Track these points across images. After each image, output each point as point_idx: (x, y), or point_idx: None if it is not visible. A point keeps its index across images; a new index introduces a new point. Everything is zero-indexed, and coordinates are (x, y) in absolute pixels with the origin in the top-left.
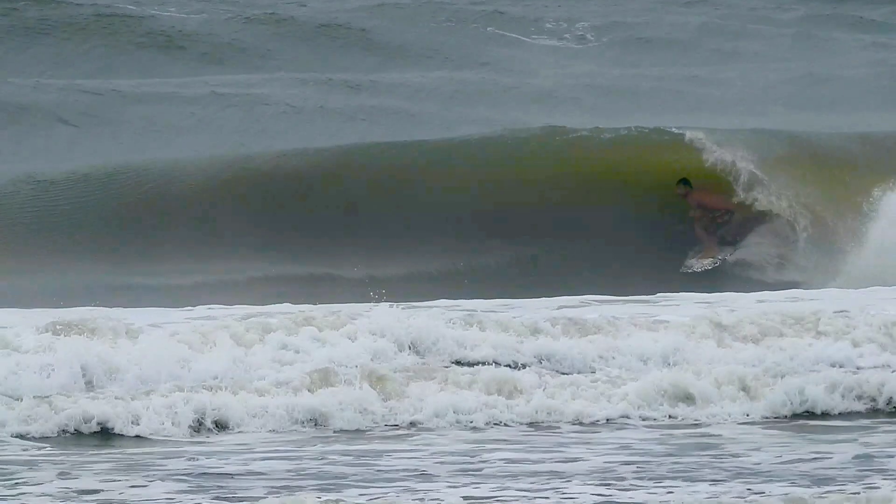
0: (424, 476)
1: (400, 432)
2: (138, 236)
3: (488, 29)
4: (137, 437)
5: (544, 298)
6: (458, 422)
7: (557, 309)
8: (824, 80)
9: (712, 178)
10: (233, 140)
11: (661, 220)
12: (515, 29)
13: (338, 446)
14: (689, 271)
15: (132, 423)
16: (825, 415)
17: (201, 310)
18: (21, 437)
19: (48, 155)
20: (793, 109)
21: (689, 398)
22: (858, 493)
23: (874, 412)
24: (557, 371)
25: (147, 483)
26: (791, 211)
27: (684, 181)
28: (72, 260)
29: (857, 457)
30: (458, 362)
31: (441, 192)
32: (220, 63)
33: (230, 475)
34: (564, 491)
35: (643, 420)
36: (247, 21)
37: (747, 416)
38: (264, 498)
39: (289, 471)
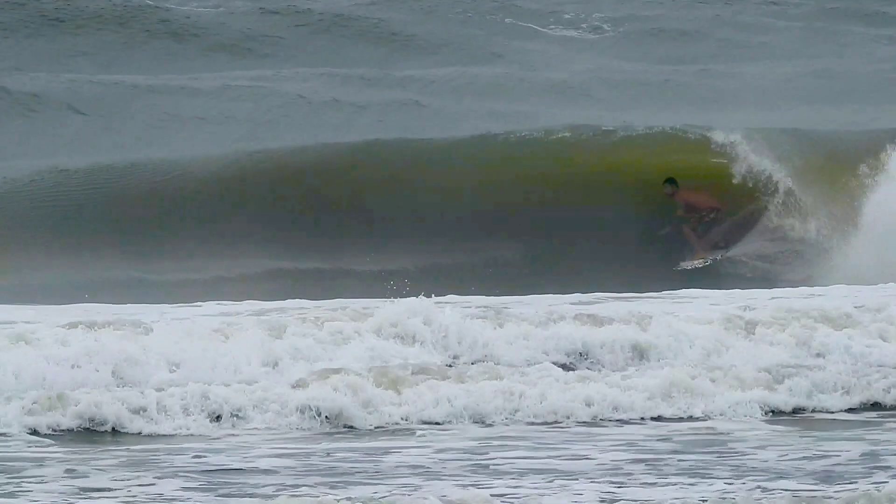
0: (431, 473)
1: (407, 429)
2: (143, 232)
3: (506, 21)
4: (148, 433)
5: (557, 295)
6: (470, 419)
7: (574, 304)
8: (842, 75)
9: (744, 186)
10: (245, 132)
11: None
12: (532, 20)
13: (344, 443)
14: (679, 269)
15: (144, 419)
16: (830, 411)
17: (211, 306)
18: (32, 432)
19: (59, 148)
20: (812, 105)
21: (700, 395)
22: (879, 490)
23: (877, 406)
24: (588, 367)
25: (155, 480)
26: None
27: (671, 181)
28: (78, 255)
29: (864, 454)
30: (482, 359)
31: (454, 190)
32: (234, 55)
33: (238, 472)
34: (574, 488)
35: (651, 417)
36: (263, 13)
37: (765, 409)
38: (276, 496)
39: (296, 467)
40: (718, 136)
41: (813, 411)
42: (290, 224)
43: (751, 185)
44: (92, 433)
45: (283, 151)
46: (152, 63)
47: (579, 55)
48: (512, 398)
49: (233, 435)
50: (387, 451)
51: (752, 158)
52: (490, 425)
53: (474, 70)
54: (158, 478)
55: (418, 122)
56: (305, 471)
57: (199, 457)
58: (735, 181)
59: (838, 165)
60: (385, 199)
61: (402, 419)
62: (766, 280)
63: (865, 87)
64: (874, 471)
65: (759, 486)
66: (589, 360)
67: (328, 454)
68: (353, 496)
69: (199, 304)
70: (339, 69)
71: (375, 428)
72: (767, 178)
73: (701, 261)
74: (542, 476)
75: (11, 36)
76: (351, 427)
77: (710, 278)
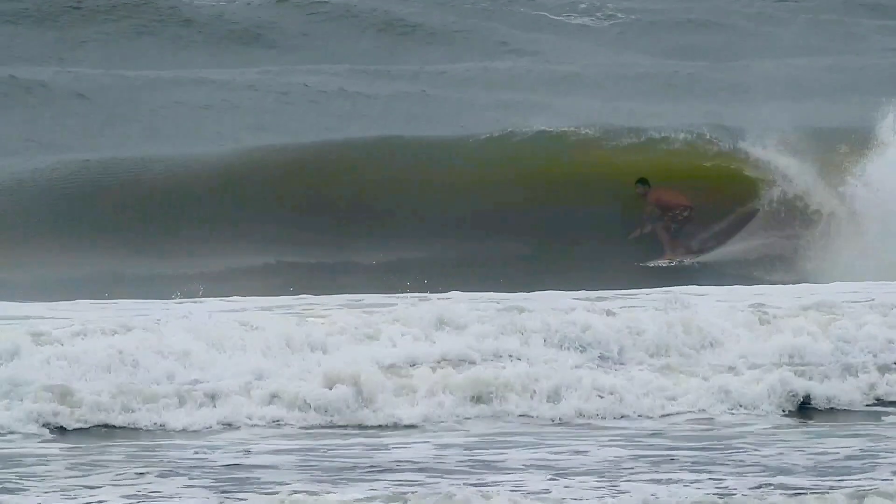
0: (431, 469)
1: (409, 424)
2: (144, 227)
3: (520, 10)
4: (151, 430)
5: (558, 291)
6: (476, 417)
7: (585, 300)
8: (850, 69)
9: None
10: (252, 123)
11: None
12: (546, 9)
13: (346, 439)
14: (651, 265)
15: (149, 415)
16: (830, 408)
17: (215, 302)
18: (38, 428)
19: (66, 138)
20: (820, 99)
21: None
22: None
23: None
24: (608, 366)
25: (156, 478)
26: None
27: (642, 181)
28: (80, 250)
29: (864, 450)
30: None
31: (458, 187)
32: (243, 45)
33: (240, 468)
34: (577, 485)
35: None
36: (272, 3)
37: (782, 401)
38: (277, 492)
39: (297, 463)
40: (726, 137)
41: (830, 405)
42: (294, 221)
43: (754, 188)
44: (96, 430)
45: (289, 147)
46: (161, 53)
47: (592, 46)
48: (525, 394)
49: (234, 430)
50: (387, 447)
51: (752, 159)
52: (491, 423)
53: (485, 61)
54: (160, 475)
55: (426, 113)
56: (306, 467)
57: (201, 453)
58: (737, 183)
59: (839, 163)
60: (390, 196)
61: (411, 417)
62: (756, 277)
63: (874, 80)
64: (879, 466)
65: (763, 483)
66: (615, 355)
67: (328, 450)
68: (353, 492)
69: (202, 299)
70: (347, 59)
71: (380, 425)
72: (767, 181)
73: (667, 261)
74: (544, 472)
75: (23, 22)
76: (352, 424)
77: (703, 276)
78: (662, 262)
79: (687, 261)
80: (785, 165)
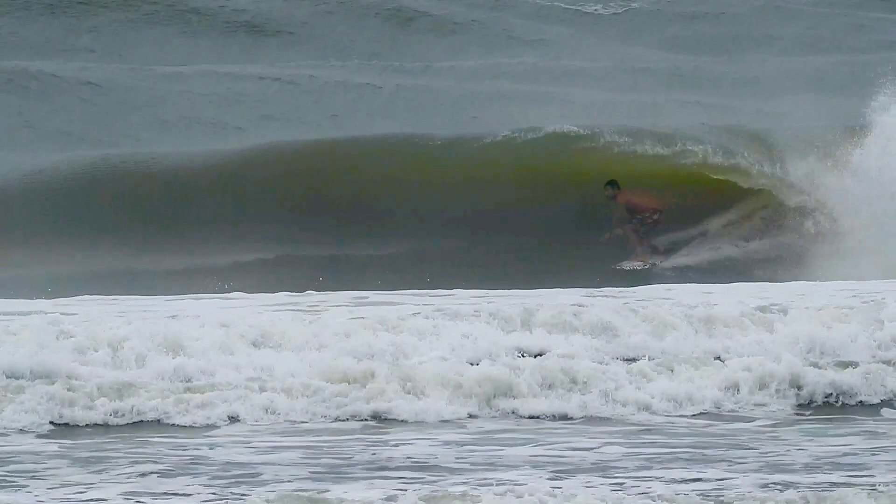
0: (434, 468)
1: (414, 424)
2: (145, 224)
3: (538, 1)
4: (155, 426)
5: (558, 289)
6: (478, 416)
7: (588, 297)
8: (868, 63)
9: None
10: (257, 116)
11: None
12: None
13: (347, 436)
14: (627, 268)
15: (156, 413)
16: (829, 405)
17: (217, 299)
18: (53, 424)
19: (71, 132)
20: (838, 93)
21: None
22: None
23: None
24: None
25: (159, 476)
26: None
27: (612, 183)
28: (78, 246)
29: (862, 447)
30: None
31: (459, 187)
32: (249, 37)
33: (243, 465)
34: (576, 483)
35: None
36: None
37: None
38: (279, 489)
39: (297, 461)
40: (730, 138)
41: (840, 403)
42: (298, 219)
43: (758, 189)
44: (96, 425)
45: (292, 145)
46: (167, 44)
47: (602, 38)
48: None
49: (235, 426)
50: (388, 444)
51: (757, 159)
52: (494, 421)
53: (492, 54)
54: (161, 471)
55: (432, 106)
56: (307, 463)
57: (202, 449)
58: (739, 183)
59: (843, 159)
60: (392, 194)
61: (414, 415)
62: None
63: (883, 74)
64: (881, 462)
65: (765, 480)
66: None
67: (329, 446)
68: (354, 489)
69: (204, 296)
70: (354, 51)
71: (381, 420)
72: (769, 181)
73: (640, 263)
74: (545, 470)
75: (32, 9)
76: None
77: (701, 276)
78: (637, 265)
79: (657, 263)
80: (790, 164)
